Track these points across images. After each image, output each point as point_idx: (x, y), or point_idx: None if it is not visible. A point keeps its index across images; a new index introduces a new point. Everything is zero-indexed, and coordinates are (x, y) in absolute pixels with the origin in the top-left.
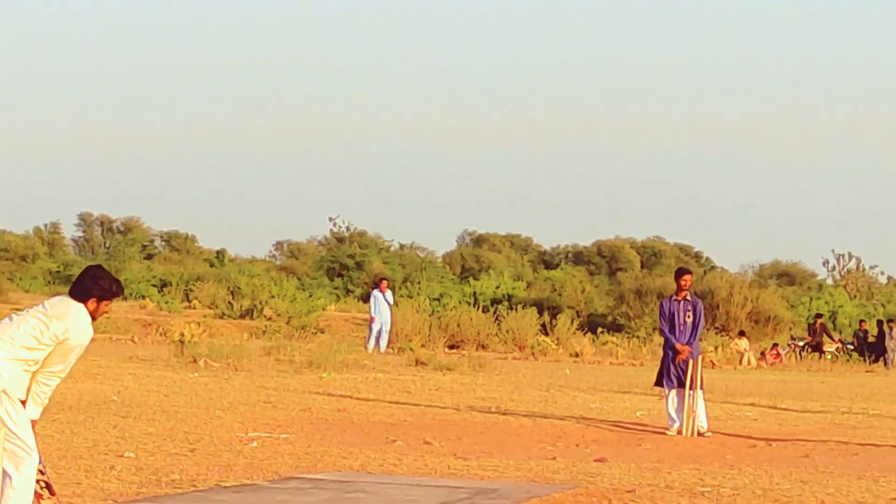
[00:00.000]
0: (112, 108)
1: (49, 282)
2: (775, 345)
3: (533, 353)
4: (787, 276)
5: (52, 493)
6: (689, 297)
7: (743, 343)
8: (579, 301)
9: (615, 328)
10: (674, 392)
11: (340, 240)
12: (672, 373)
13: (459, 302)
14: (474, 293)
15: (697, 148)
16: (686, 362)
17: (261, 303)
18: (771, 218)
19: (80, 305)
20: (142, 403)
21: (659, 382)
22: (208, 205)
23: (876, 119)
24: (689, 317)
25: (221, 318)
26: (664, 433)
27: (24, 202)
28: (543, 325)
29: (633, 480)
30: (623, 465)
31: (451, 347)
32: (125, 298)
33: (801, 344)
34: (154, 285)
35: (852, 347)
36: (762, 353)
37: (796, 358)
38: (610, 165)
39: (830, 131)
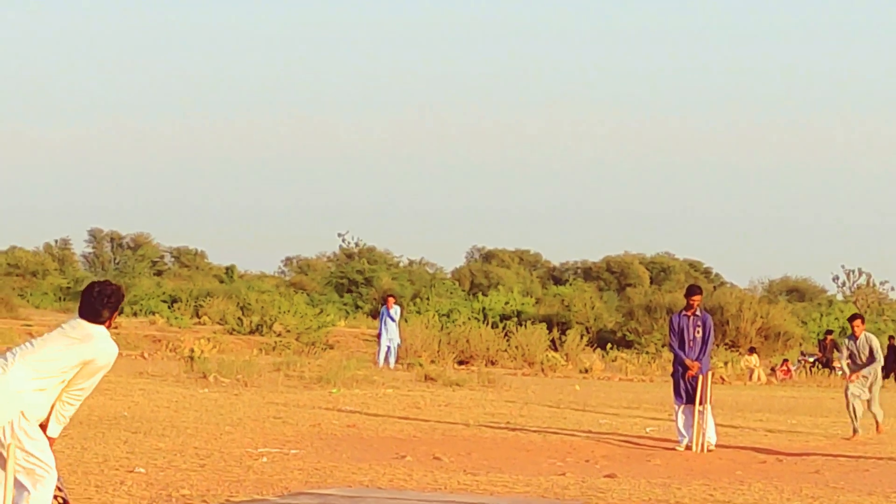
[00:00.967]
0: (122, 125)
1: (59, 298)
2: (785, 361)
3: (542, 369)
4: (796, 292)
5: None
6: (698, 313)
7: (753, 359)
8: (589, 317)
9: (624, 344)
10: (683, 408)
11: (349, 256)
12: (682, 389)
13: (469, 318)
14: (483, 309)
15: (707, 163)
16: (696, 378)
17: (270, 319)
18: (781, 234)
19: (100, 328)
20: (152, 419)
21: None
22: (218, 221)
23: (886, 135)
24: (698, 332)
25: (231, 333)
26: (674, 449)
27: (35, 218)
28: (553, 341)
29: (643, 496)
30: (633, 480)
31: (461, 363)
32: (135, 314)
33: (812, 360)
34: (164, 301)
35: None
36: (772, 370)
37: (806, 374)
38: (619, 181)
39: (841, 147)
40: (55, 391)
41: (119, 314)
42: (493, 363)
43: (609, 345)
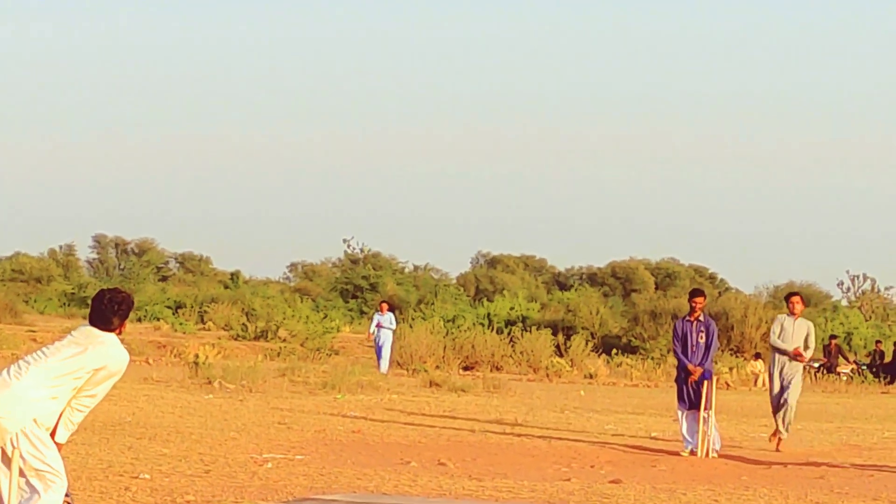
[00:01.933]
0: (126, 131)
1: (64, 304)
2: None
3: (547, 375)
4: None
5: None
6: (702, 318)
7: (758, 365)
8: (594, 322)
9: (629, 349)
10: (687, 413)
11: (354, 261)
12: (685, 394)
13: (473, 323)
14: (488, 314)
15: (712, 169)
16: (700, 383)
17: (275, 324)
18: (785, 239)
19: (111, 336)
20: (157, 425)
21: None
22: (223, 227)
23: (890, 141)
24: (702, 338)
25: (236, 339)
26: (679, 454)
27: (39, 224)
28: (558, 347)
29: (648, 502)
30: (638, 486)
31: (466, 369)
32: (139, 320)
33: (817, 365)
34: (168, 307)
35: (866, 367)
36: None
37: (811, 379)
38: (624, 187)
39: (845, 152)
40: (66, 398)
41: (126, 322)
42: (498, 369)
43: (614, 350)
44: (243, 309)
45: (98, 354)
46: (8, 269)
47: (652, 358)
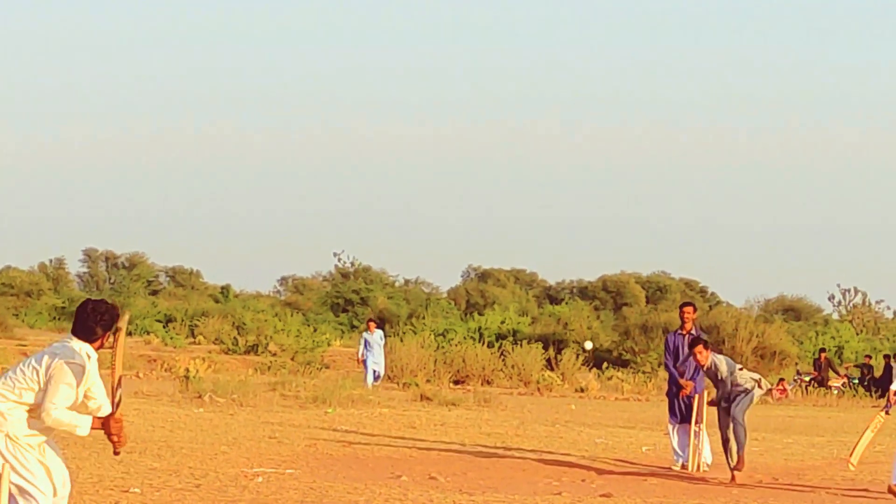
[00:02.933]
0: (116, 144)
1: (54, 317)
2: (781, 380)
3: (538, 389)
4: (792, 311)
5: None
6: (693, 332)
7: None
8: (585, 336)
9: (620, 363)
10: (678, 427)
11: (345, 275)
12: (676, 408)
13: (464, 337)
14: (479, 328)
15: (703, 183)
16: (690, 397)
17: (266, 338)
18: (777, 253)
19: (83, 344)
20: (147, 439)
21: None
22: (213, 240)
23: (883, 154)
24: None
25: (226, 353)
26: (669, 468)
27: (29, 238)
28: (549, 361)
29: None
30: (629, 500)
31: (456, 383)
32: (130, 334)
33: (807, 379)
34: (159, 321)
35: (857, 381)
36: (768, 389)
37: (802, 393)
38: (615, 201)
39: (837, 166)
40: (31, 399)
41: (114, 334)
42: (488, 382)
43: (605, 364)
44: (234, 323)
45: (49, 353)
46: None
47: (643, 372)
